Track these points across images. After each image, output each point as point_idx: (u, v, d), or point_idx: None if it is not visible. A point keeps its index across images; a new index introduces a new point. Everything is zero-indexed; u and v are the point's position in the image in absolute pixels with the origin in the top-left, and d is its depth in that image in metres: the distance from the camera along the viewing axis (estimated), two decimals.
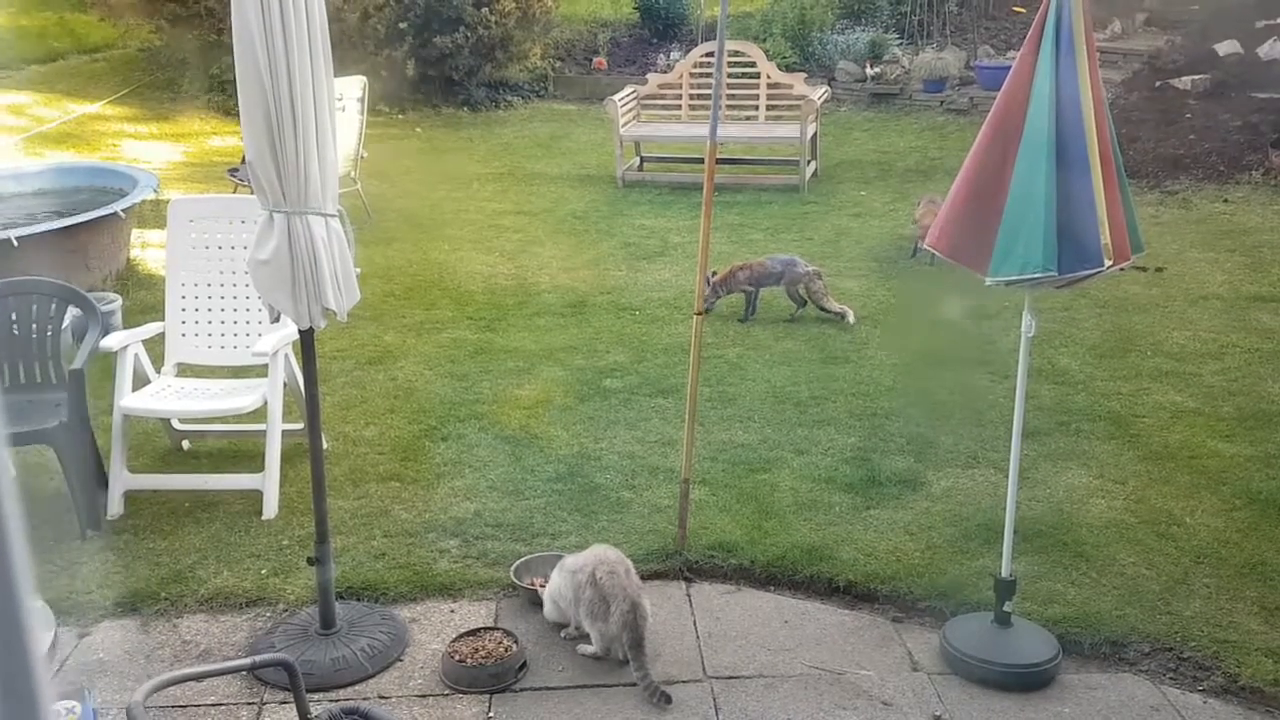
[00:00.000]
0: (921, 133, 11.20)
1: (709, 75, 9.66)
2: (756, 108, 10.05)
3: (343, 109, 7.91)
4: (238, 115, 3.13)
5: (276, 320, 3.52)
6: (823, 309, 6.28)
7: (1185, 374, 5.48)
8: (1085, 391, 5.31)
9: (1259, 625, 3.53)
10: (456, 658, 3.38)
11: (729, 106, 9.96)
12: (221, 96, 11.72)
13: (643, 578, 3.54)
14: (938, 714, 3.21)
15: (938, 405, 5.18)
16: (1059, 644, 3.41)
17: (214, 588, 3.81)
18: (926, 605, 3.70)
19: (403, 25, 11.90)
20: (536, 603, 3.65)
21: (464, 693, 3.31)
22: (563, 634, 3.55)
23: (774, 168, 9.90)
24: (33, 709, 0.40)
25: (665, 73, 10.91)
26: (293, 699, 2.68)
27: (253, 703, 3.28)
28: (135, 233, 7.27)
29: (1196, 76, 10.79)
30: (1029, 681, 3.32)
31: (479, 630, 3.53)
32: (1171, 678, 3.36)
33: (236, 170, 8.05)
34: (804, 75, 10.43)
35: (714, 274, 6.29)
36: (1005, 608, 3.42)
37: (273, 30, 2.96)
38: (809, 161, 9.47)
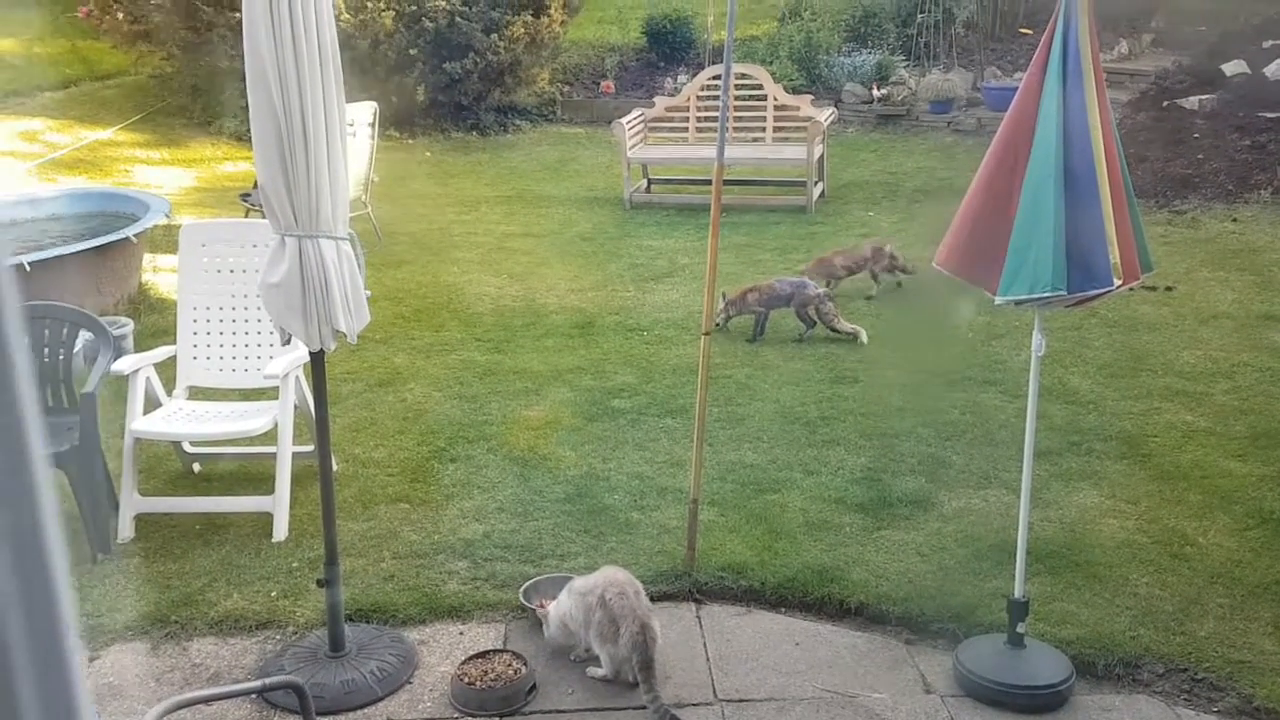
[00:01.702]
0: (928, 153, 11.23)
1: (716, 98, 9.72)
2: (763, 129, 10.08)
3: (354, 134, 7.97)
4: (249, 141, 3.16)
5: (288, 343, 3.54)
6: (834, 330, 6.29)
7: (1196, 393, 5.46)
8: (1096, 411, 5.29)
9: (1273, 646, 3.51)
10: (465, 680, 3.37)
11: (736, 128, 10.00)
12: (233, 122, 11.81)
13: (652, 599, 3.53)
14: None
15: (948, 425, 5.17)
16: (1072, 665, 3.39)
17: (224, 610, 3.81)
18: (939, 627, 3.68)
19: (413, 52, 12.00)
20: None
21: (473, 715, 3.30)
22: (572, 656, 3.54)
23: (781, 189, 9.93)
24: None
25: (672, 96, 10.97)
26: None
27: None
28: (147, 257, 7.32)
29: (1204, 96, 10.80)
30: (1043, 703, 3.30)
31: (488, 652, 3.52)
32: (1185, 699, 3.33)
33: (248, 195, 8.10)
34: (811, 97, 10.47)
35: (724, 295, 6.36)
36: (1018, 629, 3.40)
37: (284, 56, 2.99)
38: (816, 182, 9.49)
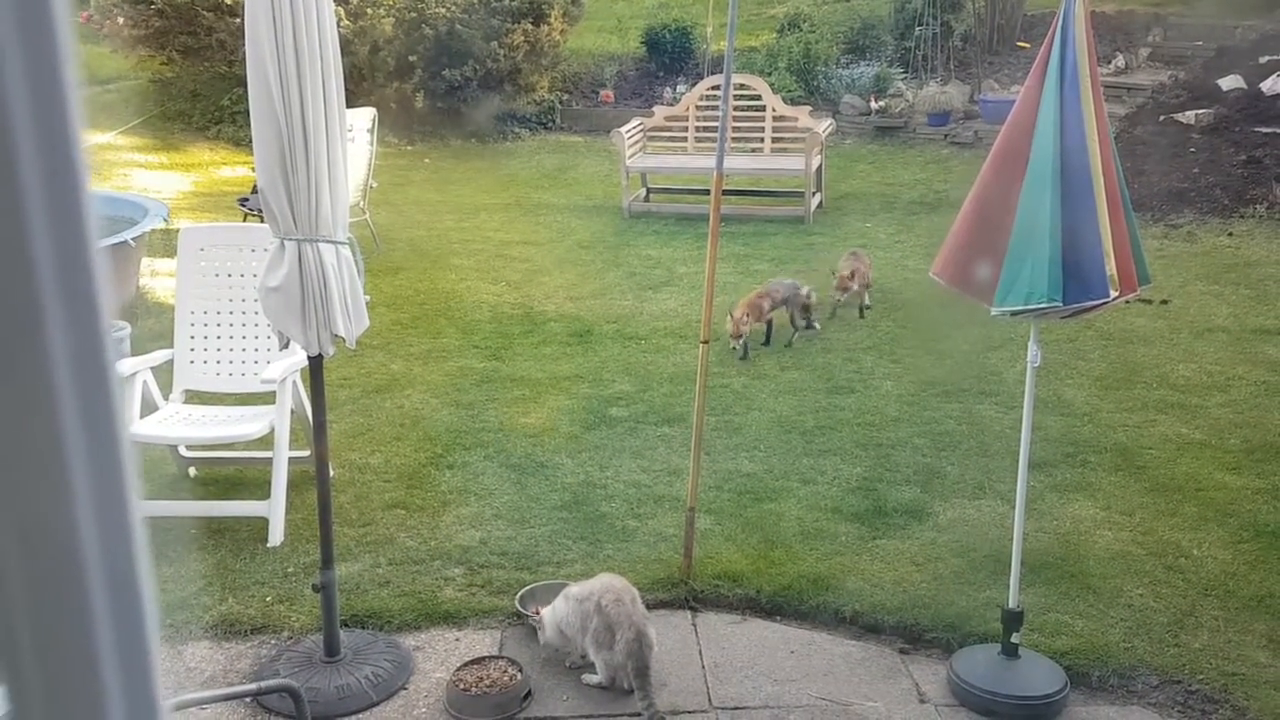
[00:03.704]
0: (925, 165, 11.26)
1: (715, 108, 9.74)
2: (762, 140, 10.12)
3: (353, 140, 7.97)
4: (247, 146, 3.18)
5: (285, 347, 3.55)
6: (810, 320, 6.53)
7: (1191, 406, 5.48)
8: (1091, 423, 5.31)
9: (1267, 658, 3.52)
10: (461, 686, 3.37)
11: (734, 139, 10.02)
12: (231, 127, 11.83)
13: (649, 607, 3.54)
14: None
15: (944, 436, 5.18)
16: (1067, 676, 3.40)
17: (219, 615, 3.81)
18: (933, 636, 3.68)
19: (412, 58, 12.03)
20: None
21: None
22: (568, 663, 3.54)
23: (779, 199, 9.96)
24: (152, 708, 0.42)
25: (671, 105, 11.00)
26: None
27: None
28: (145, 261, 7.32)
29: (1200, 111, 10.85)
30: (1036, 714, 3.31)
31: (484, 659, 3.52)
32: (1180, 710, 3.34)
33: (246, 199, 8.11)
34: (809, 108, 10.50)
35: (733, 315, 6.18)
36: (1013, 639, 3.40)
37: (286, 60, 3.00)
38: (814, 193, 9.52)
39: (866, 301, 7.02)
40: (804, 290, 6.51)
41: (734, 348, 6.20)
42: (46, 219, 0.37)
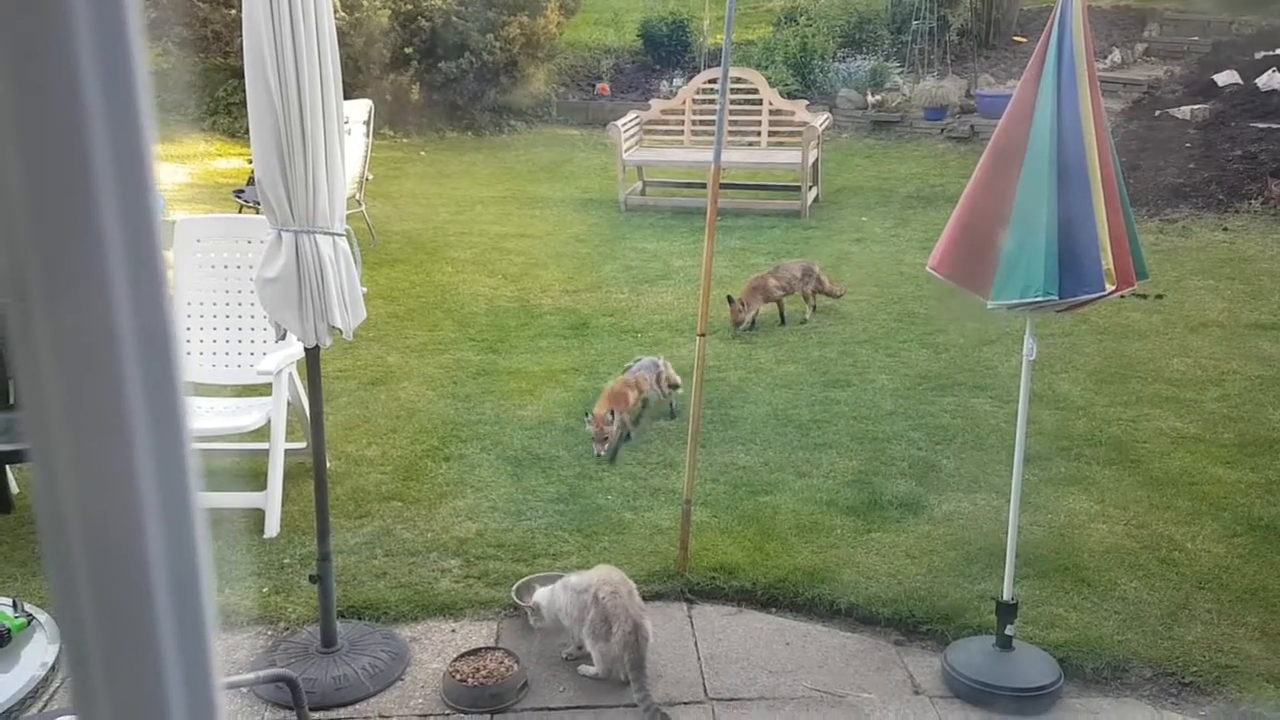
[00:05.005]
0: (922, 160, 11.27)
1: (712, 101, 9.74)
2: (759, 134, 10.11)
3: (348, 132, 7.95)
4: (242, 137, 3.18)
5: (282, 338, 3.55)
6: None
7: (1185, 400, 5.50)
8: (1086, 417, 5.33)
9: (1260, 651, 3.53)
10: (457, 677, 3.38)
11: (731, 132, 10.00)
12: (227, 119, 11.79)
13: (645, 599, 3.55)
14: None
15: (939, 429, 5.20)
16: (1060, 668, 3.42)
17: (215, 605, 3.80)
18: (928, 628, 3.70)
19: (408, 50, 12.01)
20: None
21: (465, 712, 3.31)
22: (564, 654, 3.55)
23: (775, 193, 9.95)
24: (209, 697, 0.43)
25: (668, 99, 10.99)
26: (295, 717, 2.68)
27: None
28: None
29: (1196, 106, 10.88)
30: (1031, 705, 3.32)
31: (480, 650, 3.53)
32: (1173, 702, 3.36)
33: (242, 191, 8.10)
34: (805, 102, 10.51)
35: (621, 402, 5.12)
36: (1007, 631, 3.42)
37: (284, 51, 3.00)
38: (810, 187, 9.52)
39: (810, 305, 6.73)
40: (663, 367, 5.40)
41: (599, 454, 4.86)
42: (118, 210, 0.38)
